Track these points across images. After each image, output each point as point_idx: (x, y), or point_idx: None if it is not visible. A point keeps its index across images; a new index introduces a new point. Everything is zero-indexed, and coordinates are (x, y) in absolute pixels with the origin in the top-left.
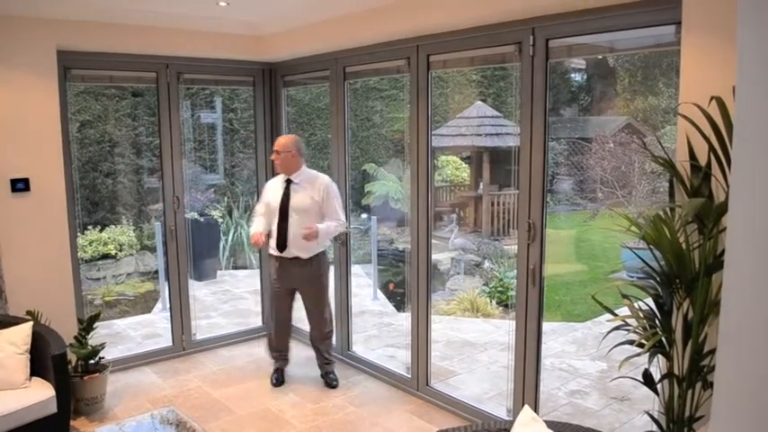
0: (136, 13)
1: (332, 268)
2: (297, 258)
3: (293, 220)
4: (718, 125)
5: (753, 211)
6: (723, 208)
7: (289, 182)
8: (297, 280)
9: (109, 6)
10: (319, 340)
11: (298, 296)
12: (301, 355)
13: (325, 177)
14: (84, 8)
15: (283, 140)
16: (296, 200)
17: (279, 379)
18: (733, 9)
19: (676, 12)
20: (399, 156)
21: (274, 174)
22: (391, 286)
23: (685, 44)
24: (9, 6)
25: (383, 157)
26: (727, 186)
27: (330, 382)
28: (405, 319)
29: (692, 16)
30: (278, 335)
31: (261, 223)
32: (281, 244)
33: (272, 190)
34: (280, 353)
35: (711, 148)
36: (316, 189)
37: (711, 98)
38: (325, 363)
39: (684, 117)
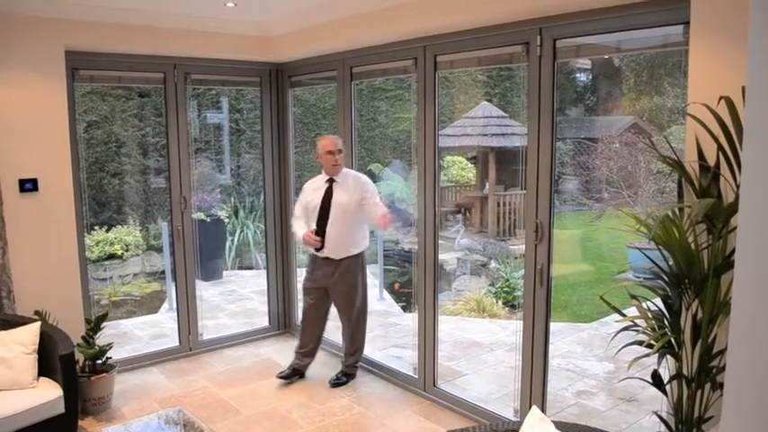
0: (144, 13)
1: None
2: (328, 258)
3: (334, 218)
4: (727, 125)
5: (763, 211)
6: (732, 208)
7: (331, 181)
8: (327, 278)
9: (117, 7)
10: (348, 351)
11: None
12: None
13: (363, 176)
14: (92, 9)
15: (338, 141)
16: (338, 199)
17: (284, 374)
18: (742, 8)
19: (685, 11)
20: (405, 156)
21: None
22: (397, 286)
23: (694, 44)
24: (17, 6)
25: (388, 158)
26: (737, 187)
27: (335, 378)
28: (411, 320)
29: (701, 16)
30: (302, 329)
31: (303, 225)
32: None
33: (313, 190)
34: (300, 350)
35: (720, 148)
36: (355, 187)
37: (720, 98)
38: (341, 373)
39: (693, 117)
